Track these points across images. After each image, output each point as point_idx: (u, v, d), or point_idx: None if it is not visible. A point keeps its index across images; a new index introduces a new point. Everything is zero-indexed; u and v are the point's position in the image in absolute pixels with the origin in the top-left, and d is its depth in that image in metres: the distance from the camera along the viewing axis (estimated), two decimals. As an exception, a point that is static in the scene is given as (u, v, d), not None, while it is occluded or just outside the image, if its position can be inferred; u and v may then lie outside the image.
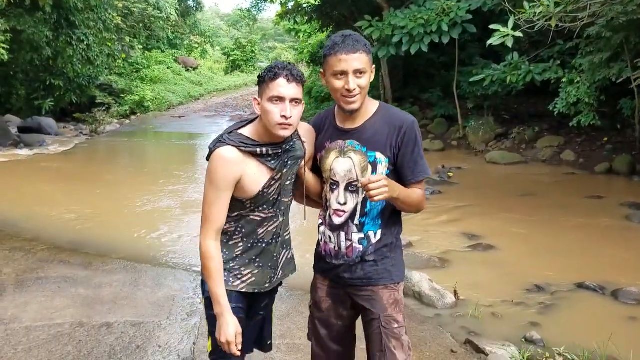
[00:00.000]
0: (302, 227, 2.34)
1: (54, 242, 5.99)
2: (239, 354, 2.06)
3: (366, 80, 2.04)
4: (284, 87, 1.98)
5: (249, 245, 2.15)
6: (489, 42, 6.57)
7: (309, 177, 2.23)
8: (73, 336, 3.67)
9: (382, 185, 1.93)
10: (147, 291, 4.52)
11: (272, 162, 2.08)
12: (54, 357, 3.39)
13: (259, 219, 2.14)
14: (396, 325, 2.15)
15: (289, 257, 2.32)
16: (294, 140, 2.14)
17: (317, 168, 2.26)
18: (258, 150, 2.05)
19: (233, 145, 2.04)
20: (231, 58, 36.41)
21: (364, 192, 2.08)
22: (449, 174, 10.18)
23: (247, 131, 2.10)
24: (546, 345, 3.84)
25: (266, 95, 2.01)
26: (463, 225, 6.89)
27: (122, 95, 22.32)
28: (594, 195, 8.40)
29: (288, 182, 2.17)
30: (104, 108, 19.22)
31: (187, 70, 30.35)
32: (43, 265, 5.12)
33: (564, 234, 6.57)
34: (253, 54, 37.10)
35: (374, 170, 2.09)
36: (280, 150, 2.08)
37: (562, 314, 4.46)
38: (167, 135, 17.66)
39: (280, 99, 1.98)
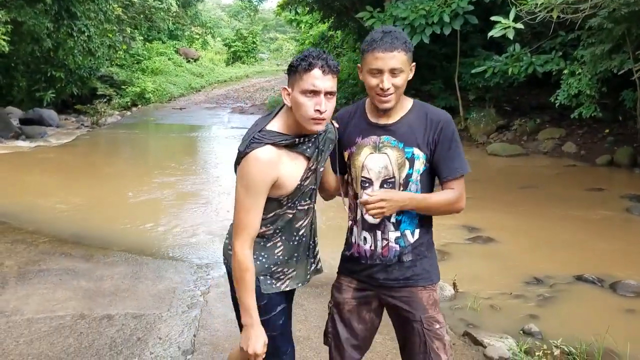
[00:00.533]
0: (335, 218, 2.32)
1: (56, 234, 6.02)
2: None
3: (402, 79, 2.00)
4: (319, 79, 1.86)
5: (291, 243, 2.09)
6: (490, 33, 6.56)
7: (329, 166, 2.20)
8: (74, 328, 3.70)
9: (377, 207, 1.95)
10: (148, 283, 4.55)
11: (309, 150, 2.00)
12: (55, 349, 3.42)
13: (296, 212, 2.06)
14: (438, 326, 2.12)
15: (319, 249, 2.27)
16: (327, 125, 2.06)
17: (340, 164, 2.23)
18: (296, 140, 1.96)
19: (270, 143, 1.91)
20: (232, 49, 36.30)
21: (401, 188, 2.07)
22: (449, 166, 10.16)
23: (275, 126, 1.97)
24: (544, 337, 3.86)
25: (299, 86, 1.88)
26: (463, 217, 6.87)
27: (123, 86, 22.30)
28: (594, 187, 8.41)
29: (321, 169, 2.10)
30: (105, 100, 19.24)
31: (188, 61, 30.26)
32: (45, 257, 5.15)
33: (563, 226, 6.58)
34: (254, 45, 36.98)
35: (411, 167, 2.05)
36: (315, 138, 2.01)
37: (561, 307, 4.48)
38: (168, 127, 17.66)
39: (315, 92, 1.87)
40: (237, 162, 1.96)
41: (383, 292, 2.17)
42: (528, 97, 14.39)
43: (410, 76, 2.05)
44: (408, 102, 2.13)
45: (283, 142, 1.93)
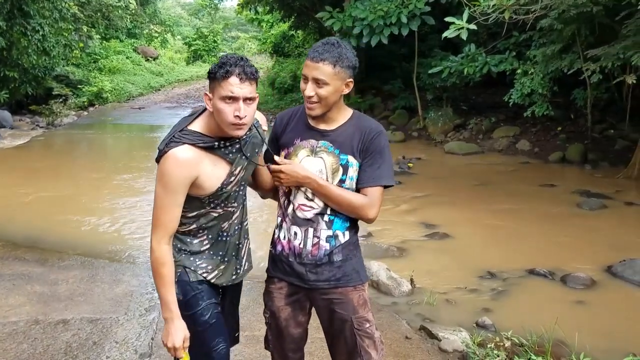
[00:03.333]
0: (258, 220, 2.34)
1: (9, 238, 5.88)
2: (184, 356, 2.03)
3: (326, 91, 2.02)
4: (236, 86, 1.89)
5: (216, 241, 2.12)
6: (444, 34, 6.68)
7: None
8: (28, 334, 3.63)
9: (278, 171, 2.09)
10: (105, 287, 4.49)
11: (230, 155, 2.03)
12: (9, 355, 3.36)
13: (222, 212, 2.09)
14: (368, 325, 2.17)
15: (249, 247, 2.28)
16: (251, 130, 2.10)
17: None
18: (216, 144, 1.98)
19: (189, 144, 1.94)
20: (192, 48, 35.85)
21: None
22: (409, 164, 10.34)
23: (198, 126, 2.00)
24: (497, 330, 3.98)
25: (218, 93, 1.91)
26: (421, 214, 7.03)
27: (80, 86, 21.74)
28: (547, 183, 8.68)
29: (247, 174, 2.14)
30: (60, 100, 18.69)
31: (147, 60, 29.77)
32: (-3, 262, 5.03)
33: (517, 221, 6.77)
34: (215, 44, 36.59)
35: (345, 173, 2.10)
36: (238, 143, 2.04)
37: (514, 300, 4.62)
38: (126, 127, 17.35)
39: (234, 98, 1.90)
40: (157, 161, 1.99)
41: (312, 294, 2.19)
42: (484, 97, 14.74)
43: (346, 91, 2.08)
44: (348, 112, 2.18)
45: (201, 143, 1.97)
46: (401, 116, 14.57)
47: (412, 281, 4.80)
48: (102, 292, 4.39)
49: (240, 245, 2.20)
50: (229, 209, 2.11)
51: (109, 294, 4.36)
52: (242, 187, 2.15)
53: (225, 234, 2.13)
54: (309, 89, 2.03)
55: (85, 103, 21.35)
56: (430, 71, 12.17)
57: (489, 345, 3.56)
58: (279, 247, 2.22)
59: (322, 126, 2.15)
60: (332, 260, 2.14)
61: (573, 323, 4.01)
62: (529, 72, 10.24)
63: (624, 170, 9.01)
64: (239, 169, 2.07)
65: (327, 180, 2.10)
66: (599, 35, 9.03)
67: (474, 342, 3.66)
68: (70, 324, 3.79)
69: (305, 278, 2.16)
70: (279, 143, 2.23)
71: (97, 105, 21.87)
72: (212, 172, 2.00)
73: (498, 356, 3.44)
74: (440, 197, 7.99)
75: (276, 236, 2.24)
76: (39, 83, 18.03)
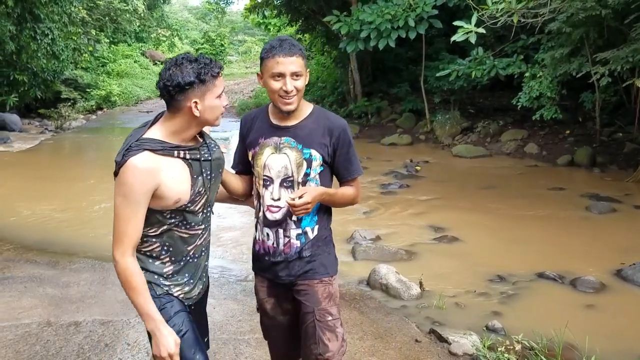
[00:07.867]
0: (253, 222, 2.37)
1: (20, 241, 5.93)
2: None
3: (302, 82, 2.13)
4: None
5: (179, 264, 2.05)
6: (452, 38, 6.67)
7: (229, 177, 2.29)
8: (41, 336, 3.67)
9: (304, 204, 2.06)
10: (115, 289, 4.50)
11: (193, 164, 1.97)
12: (22, 357, 3.39)
13: (187, 235, 2.03)
14: (330, 318, 2.23)
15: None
16: (213, 146, 2.09)
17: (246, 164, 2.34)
18: (175, 152, 1.93)
19: (148, 149, 1.87)
20: (200, 52, 35.97)
21: (299, 186, 2.18)
22: (416, 167, 10.34)
23: (154, 134, 1.93)
24: (507, 333, 3.97)
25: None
26: (429, 217, 7.02)
27: (88, 90, 21.91)
28: (555, 187, 8.64)
29: (213, 193, 2.12)
30: (69, 103, 18.86)
31: (155, 64, 29.94)
32: (9, 264, 5.08)
33: (526, 225, 6.76)
34: (222, 48, 36.79)
35: (309, 167, 2.17)
36: (198, 155, 1.99)
37: (523, 303, 4.61)
38: (134, 130, 17.45)
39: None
40: (116, 173, 1.91)
41: (288, 287, 2.30)
42: (491, 100, 14.71)
43: (307, 81, 2.17)
44: (308, 107, 2.26)
45: (161, 150, 1.90)
46: (408, 119, 14.57)
47: (421, 284, 4.80)
48: (113, 294, 4.42)
49: (206, 267, 2.20)
50: (196, 231, 2.06)
51: (119, 296, 4.37)
52: (209, 209, 2.11)
53: (190, 256, 2.07)
54: (289, 84, 2.09)
55: (94, 107, 21.49)
56: (437, 74, 12.17)
57: (499, 349, 3.56)
58: (256, 247, 2.34)
59: (284, 122, 2.22)
60: (301, 256, 2.24)
61: (583, 327, 3.99)
62: (537, 76, 10.22)
63: (633, 173, 8.96)
64: (203, 188, 2.01)
65: (293, 175, 2.18)
66: (608, 38, 9.01)
67: (484, 346, 3.65)
68: (82, 326, 3.82)
69: (279, 274, 2.27)
70: (245, 144, 2.30)
71: (105, 109, 22.01)
72: (174, 181, 1.93)
73: (509, 360, 3.44)
74: (448, 201, 7.98)
75: (254, 236, 2.35)
76: (48, 87, 18.17)
